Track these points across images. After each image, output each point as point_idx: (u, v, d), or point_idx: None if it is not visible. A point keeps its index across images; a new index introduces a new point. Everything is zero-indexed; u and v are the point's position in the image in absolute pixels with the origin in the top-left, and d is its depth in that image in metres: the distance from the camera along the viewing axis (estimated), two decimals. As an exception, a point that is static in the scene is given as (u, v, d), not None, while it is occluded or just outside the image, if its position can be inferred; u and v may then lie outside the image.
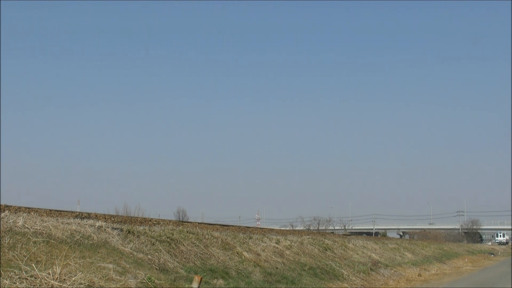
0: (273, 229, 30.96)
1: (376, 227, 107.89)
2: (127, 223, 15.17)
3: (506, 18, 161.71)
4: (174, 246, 15.02)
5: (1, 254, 9.20)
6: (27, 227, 11.31)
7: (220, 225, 23.00)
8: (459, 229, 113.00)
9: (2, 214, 11.49)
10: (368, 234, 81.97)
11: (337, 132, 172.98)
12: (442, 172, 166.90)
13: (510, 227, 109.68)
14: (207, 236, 17.41)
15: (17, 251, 9.54)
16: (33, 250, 9.85)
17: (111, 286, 9.57)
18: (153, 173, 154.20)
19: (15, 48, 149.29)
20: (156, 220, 17.69)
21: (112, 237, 13.25)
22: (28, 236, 10.64)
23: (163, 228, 16.24)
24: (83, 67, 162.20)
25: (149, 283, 10.63)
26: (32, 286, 8.38)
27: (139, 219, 17.02)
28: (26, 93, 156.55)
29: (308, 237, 27.05)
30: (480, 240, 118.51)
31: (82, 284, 8.96)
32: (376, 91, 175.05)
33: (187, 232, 16.94)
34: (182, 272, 13.15)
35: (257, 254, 18.68)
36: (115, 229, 14.00)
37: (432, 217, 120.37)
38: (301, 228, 53.81)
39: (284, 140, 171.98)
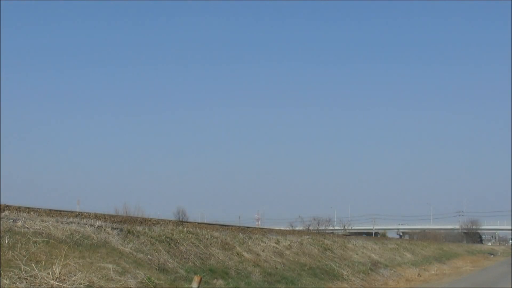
0: (273, 229, 30.97)
1: (376, 227, 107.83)
2: (127, 223, 15.18)
3: (506, 21, 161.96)
4: (173, 246, 15.03)
5: (1, 254, 9.21)
6: (27, 227, 11.32)
7: (220, 225, 23.00)
8: (459, 229, 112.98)
9: (2, 214, 11.50)
10: (368, 234, 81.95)
11: (337, 132, 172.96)
12: (442, 172, 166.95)
13: (510, 227, 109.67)
14: (206, 236, 17.42)
15: (17, 251, 9.55)
16: (33, 250, 9.86)
17: (110, 286, 9.59)
18: (153, 173, 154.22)
19: (16, 47, 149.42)
20: (155, 220, 17.70)
21: (112, 237, 13.26)
22: (28, 236, 10.64)
23: (162, 228, 16.25)
24: (82, 66, 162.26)
25: (149, 283, 10.64)
26: (32, 286, 8.39)
27: (139, 219, 17.02)
28: (26, 93, 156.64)
29: (307, 237, 27.06)
30: (480, 240, 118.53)
31: (81, 284, 8.97)
32: (376, 92, 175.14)
33: (187, 232, 16.95)
34: (182, 272, 13.16)
35: (257, 254, 18.69)
36: (115, 229, 14.00)
37: (432, 217, 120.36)
38: (301, 228, 53.78)
39: (284, 140, 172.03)
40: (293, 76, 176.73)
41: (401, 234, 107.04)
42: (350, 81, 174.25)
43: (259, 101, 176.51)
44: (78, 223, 13.17)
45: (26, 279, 8.50)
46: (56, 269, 8.98)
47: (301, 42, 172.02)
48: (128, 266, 11.24)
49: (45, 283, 8.59)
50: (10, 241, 9.96)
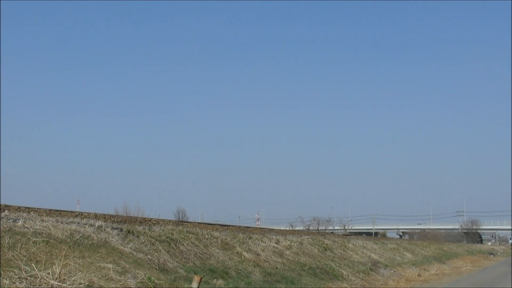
0: (273, 229, 30.97)
1: (376, 227, 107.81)
2: (127, 223, 15.18)
3: (506, 21, 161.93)
4: (173, 246, 15.03)
5: (1, 254, 9.21)
6: (27, 227, 11.32)
7: (219, 225, 23.00)
8: (458, 229, 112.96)
9: (2, 214, 11.50)
10: (368, 234, 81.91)
11: (337, 132, 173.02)
12: (442, 172, 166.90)
13: (510, 227, 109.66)
14: (206, 236, 17.42)
15: (17, 251, 9.55)
16: (33, 250, 9.86)
17: (110, 286, 9.59)
18: (153, 173, 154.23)
19: (16, 47, 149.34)
20: (155, 220, 17.69)
21: (112, 237, 13.26)
22: (28, 236, 10.65)
23: (162, 228, 16.25)
24: (82, 66, 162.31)
25: (149, 283, 10.64)
26: (32, 286, 8.39)
27: (138, 219, 17.01)
28: (26, 93, 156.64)
29: (307, 237, 27.06)
30: (480, 240, 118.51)
31: (81, 284, 8.97)
32: (376, 92, 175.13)
33: (187, 232, 16.95)
34: (182, 272, 13.16)
35: (257, 254, 18.69)
36: (115, 229, 14.00)
37: (431, 217, 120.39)
38: (301, 228, 53.74)
39: (284, 140, 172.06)
40: (293, 76, 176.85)
41: (401, 234, 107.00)
42: (350, 81, 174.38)
43: (259, 102, 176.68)
44: (78, 223, 13.17)
45: (26, 279, 8.50)
46: (56, 269, 8.98)
47: (300, 42, 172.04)
48: (128, 266, 11.24)
49: (45, 283, 8.59)
50: (10, 241, 9.96)
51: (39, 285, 8.48)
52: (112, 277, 9.98)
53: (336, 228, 63.21)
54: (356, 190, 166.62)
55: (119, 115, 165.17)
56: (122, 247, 12.82)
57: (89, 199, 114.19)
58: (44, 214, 13.14)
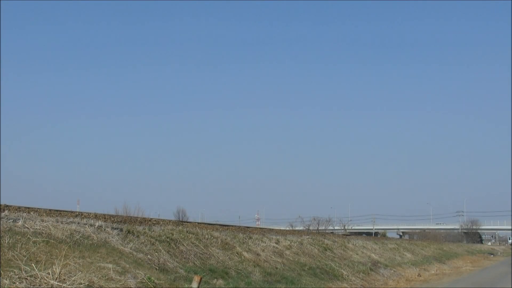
0: (273, 229, 30.97)
1: (376, 227, 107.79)
2: (127, 223, 15.18)
3: (506, 21, 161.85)
4: (173, 246, 15.03)
5: (1, 254, 9.21)
6: (27, 227, 11.32)
7: (219, 225, 23.00)
8: (458, 229, 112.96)
9: (2, 214, 11.50)
10: (368, 234, 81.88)
11: (337, 132, 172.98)
12: (442, 172, 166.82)
13: (510, 227, 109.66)
14: (206, 236, 17.43)
15: (17, 251, 9.55)
16: (33, 250, 9.86)
17: (110, 286, 9.59)
18: (153, 173, 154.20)
19: (16, 47, 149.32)
20: (155, 220, 17.69)
21: (112, 237, 13.26)
22: (28, 236, 10.65)
23: (162, 228, 16.25)
24: (82, 66, 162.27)
25: (149, 283, 10.64)
26: (31, 286, 8.39)
27: (138, 219, 17.01)
28: (26, 93, 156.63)
29: (307, 237, 27.06)
30: (480, 240, 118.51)
31: (81, 284, 8.97)
32: (376, 92, 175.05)
33: (187, 232, 16.95)
34: (182, 272, 13.16)
35: (257, 254, 18.69)
36: (115, 229, 14.00)
37: (432, 217, 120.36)
38: (301, 228, 53.73)
39: (284, 140, 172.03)
40: (293, 76, 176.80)
41: (401, 234, 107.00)
42: (350, 81, 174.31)
43: (259, 102, 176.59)
44: (78, 223, 13.17)
45: (26, 279, 8.50)
46: (56, 269, 8.98)
47: (300, 42, 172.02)
48: (128, 266, 11.24)
49: (45, 283, 8.59)
50: (10, 241, 9.96)
51: (39, 285, 8.48)
52: (112, 277, 9.98)
53: (336, 228, 63.19)
54: (356, 190, 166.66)
55: (119, 115, 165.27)
56: (122, 247, 12.82)
57: (89, 199, 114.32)
58: (44, 214, 13.14)
